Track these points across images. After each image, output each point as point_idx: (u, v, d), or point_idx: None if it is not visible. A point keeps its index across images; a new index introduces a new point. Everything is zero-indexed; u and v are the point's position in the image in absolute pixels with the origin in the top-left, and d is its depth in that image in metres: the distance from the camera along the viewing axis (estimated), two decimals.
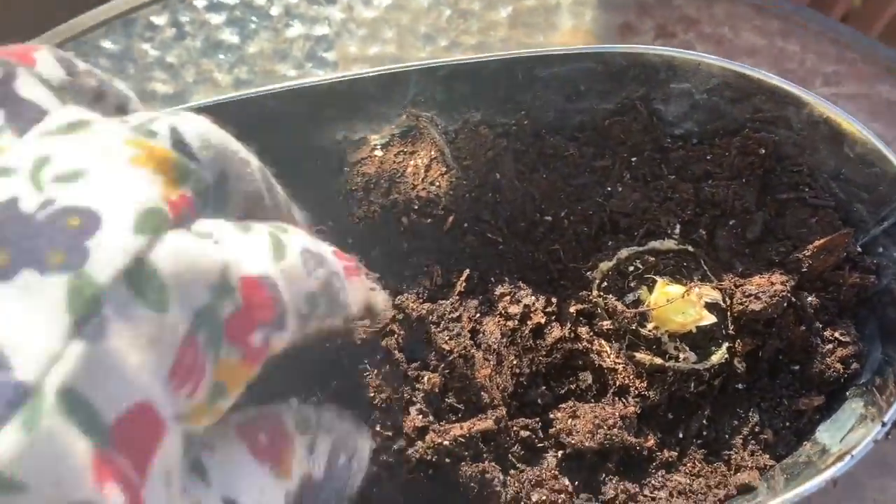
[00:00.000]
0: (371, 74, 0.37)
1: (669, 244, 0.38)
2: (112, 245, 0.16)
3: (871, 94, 0.59)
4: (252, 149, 0.22)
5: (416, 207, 0.37)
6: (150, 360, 0.17)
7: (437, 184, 0.39)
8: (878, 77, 0.59)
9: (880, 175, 0.36)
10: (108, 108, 0.23)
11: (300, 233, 0.22)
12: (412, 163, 0.38)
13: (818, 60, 0.60)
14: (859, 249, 0.37)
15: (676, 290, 0.36)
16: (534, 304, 0.36)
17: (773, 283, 0.35)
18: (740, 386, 0.36)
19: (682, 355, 0.36)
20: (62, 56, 0.22)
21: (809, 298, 0.37)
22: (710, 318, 0.35)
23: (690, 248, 0.38)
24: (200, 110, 0.31)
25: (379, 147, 0.39)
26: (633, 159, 0.40)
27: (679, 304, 0.36)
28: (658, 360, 0.35)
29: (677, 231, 0.38)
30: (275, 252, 0.20)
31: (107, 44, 0.57)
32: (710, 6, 0.61)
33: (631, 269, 0.38)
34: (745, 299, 0.35)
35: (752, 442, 0.35)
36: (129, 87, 0.53)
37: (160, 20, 0.58)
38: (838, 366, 0.35)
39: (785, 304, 0.35)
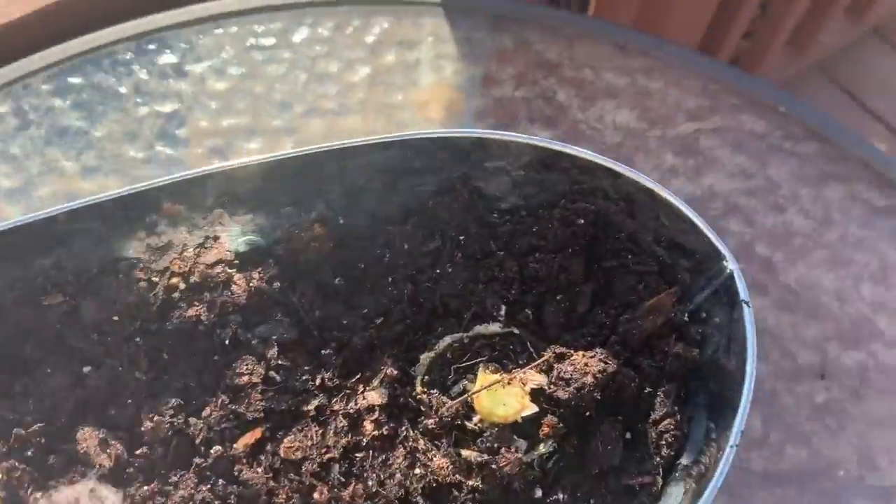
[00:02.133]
0: (168, 182, 0.36)
1: (494, 328, 0.37)
2: None
3: (733, 126, 0.58)
4: None
5: (229, 311, 0.36)
6: None
7: (252, 286, 0.37)
8: (741, 108, 0.59)
9: (695, 243, 0.36)
10: None
11: None
12: (221, 268, 0.36)
13: (681, 95, 0.59)
14: (685, 318, 0.36)
15: (497, 378, 0.35)
16: (362, 409, 0.35)
17: (587, 367, 0.34)
18: (574, 464, 0.35)
19: (511, 447, 0.34)
20: None
21: (636, 369, 0.36)
22: (531, 408, 0.34)
23: (515, 331, 0.37)
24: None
25: (190, 249, 0.38)
26: (462, 238, 0.39)
27: (500, 395, 0.34)
28: (484, 456, 0.34)
29: (503, 313, 0.37)
30: None
31: None
32: (571, 48, 0.61)
33: (455, 358, 0.37)
34: (557, 384, 0.34)
35: None
36: None
37: (2, 109, 0.56)
38: (665, 441, 0.34)
39: (594, 393, 0.34)
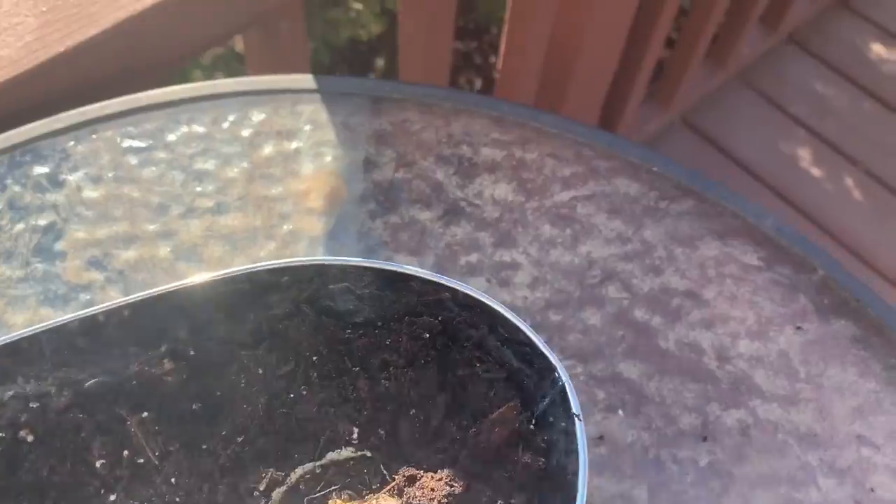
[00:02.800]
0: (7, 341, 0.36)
1: (347, 452, 0.38)
2: None
3: (608, 190, 0.60)
4: None
5: None
6: None
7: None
8: (615, 171, 0.61)
9: (531, 353, 0.37)
10: None
11: None
12: None
13: (557, 164, 0.61)
14: (531, 426, 0.37)
15: None
16: None
17: (433, 492, 0.34)
18: None
19: None
20: None
21: (489, 481, 0.36)
22: None
23: (368, 454, 0.37)
24: None
25: (37, 401, 0.38)
26: (315, 358, 0.40)
27: None
28: None
29: (355, 435, 0.38)
30: None
31: None
32: (449, 125, 0.62)
33: (308, 489, 0.37)
34: None
35: None
36: None
37: None
38: None
39: None
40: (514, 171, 0.60)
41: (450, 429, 0.38)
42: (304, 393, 0.39)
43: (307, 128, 0.61)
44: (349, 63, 1.60)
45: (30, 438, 0.37)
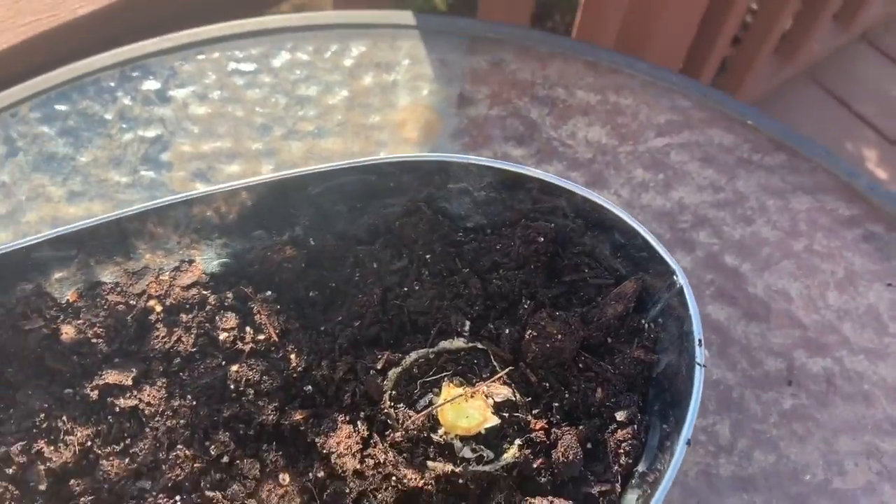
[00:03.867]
0: (143, 210, 0.37)
1: (459, 343, 0.39)
2: None
3: (702, 140, 0.60)
4: None
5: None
6: None
7: (225, 305, 0.39)
8: (709, 123, 0.61)
9: (649, 258, 0.37)
10: None
11: None
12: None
13: (651, 112, 0.61)
14: (644, 323, 0.38)
15: (460, 392, 0.36)
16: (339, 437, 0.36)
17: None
18: (537, 476, 0.37)
19: (476, 456, 0.36)
20: None
21: (599, 377, 0.37)
22: (493, 420, 0.36)
23: (480, 346, 0.38)
24: None
25: (166, 272, 0.39)
26: (428, 257, 0.41)
27: (464, 407, 0.36)
28: (449, 467, 0.35)
29: (467, 328, 0.39)
30: None
31: None
32: (544, 67, 0.63)
33: (421, 373, 0.38)
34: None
35: None
36: None
37: None
38: (623, 450, 0.36)
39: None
40: (609, 115, 0.61)
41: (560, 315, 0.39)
42: (417, 288, 0.40)
43: (405, 62, 0.63)
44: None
45: (158, 308, 0.39)
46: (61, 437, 0.35)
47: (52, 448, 0.35)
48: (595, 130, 0.60)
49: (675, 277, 0.36)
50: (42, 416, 0.36)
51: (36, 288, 0.37)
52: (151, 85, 0.60)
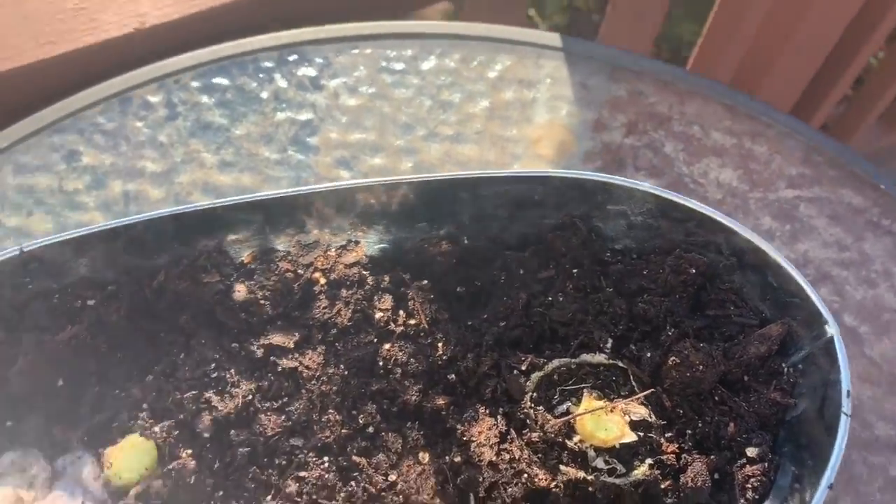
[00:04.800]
0: (323, 190, 0.40)
1: (600, 358, 0.40)
2: None
3: (832, 197, 0.60)
4: None
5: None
6: None
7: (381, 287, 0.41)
8: (841, 181, 0.61)
9: (800, 305, 0.38)
10: None
11: None
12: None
13: (784, 162, 0.62)
14: (784, 367, 0.39)
15: (601, 405, 0.37)
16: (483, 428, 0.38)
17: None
18: (663, 495, 0.38)
19: (609, 468, 0.37)
20: None
21: (731, 413, 0.38)
22: (631, 436, 0.37)
23: (621, 364, 0.40)
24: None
25: (333, 249, 0.42)
26: (575, 271, 0.42)
27: (603, 420, 0.37)
28: (581, 474, 0.37)
29: (609, 345, 0.40)
30: None
31: (102, 120, 0.60)
32: (683, 104, 0.64)
33: (560, 380, 0.40)
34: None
35: None
36: (120, 164, 0.56)
37: (155, 99, 0.61)
38: (751, 485, 0.36)
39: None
40: (742, 159, 0.61)
41: (704, 348, 0.40)
42: (560, 299, 0.42)
43: (547, 81, 0.64)
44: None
45: (322, 281, 0.41)
46: (228, 388, 0.38)
47: (218, 398, 0.37)
48: (727, 173, 0.61)
49: (826, 327, 0.37)
50: (213, 366, 0.38)
51: (217, 245, 0.40)
52: (307, 71, 0.63)
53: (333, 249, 0.42)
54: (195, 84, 0.62)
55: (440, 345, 0.40)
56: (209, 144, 0.60)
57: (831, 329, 0.37)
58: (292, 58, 0.64)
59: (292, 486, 0.36)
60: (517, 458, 0.37)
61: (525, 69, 0.65)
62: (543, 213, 0.43)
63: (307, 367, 0.39)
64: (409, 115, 0.62)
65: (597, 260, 0.43)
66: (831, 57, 1.08)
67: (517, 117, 0.63)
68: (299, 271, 0.41)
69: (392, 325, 0.40)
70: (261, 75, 0.63)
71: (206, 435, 0.36)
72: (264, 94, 0.62)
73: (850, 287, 0.57)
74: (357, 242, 0.42)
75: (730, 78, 0.96)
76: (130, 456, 0.33)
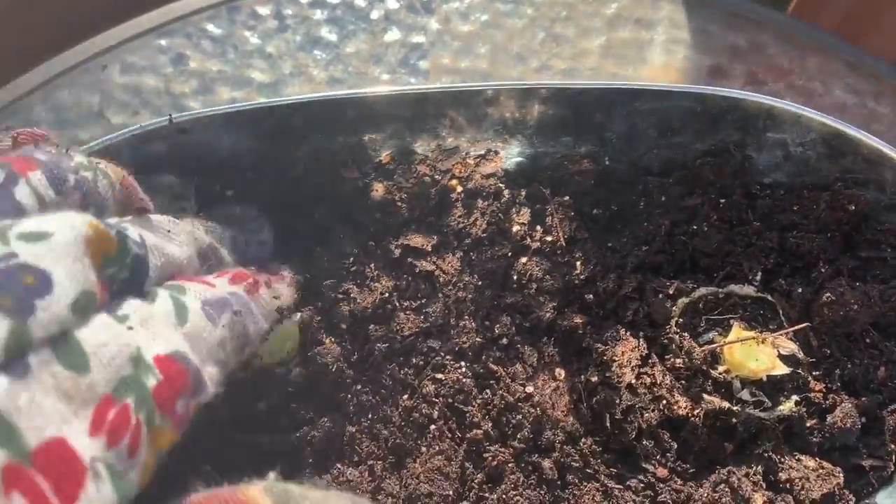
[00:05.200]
0: (465, 89, 0.38)
1: (749, 290, 0.38)
2: (52, 312, 0.20)
3: None
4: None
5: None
6: (64, 408, 0.20)
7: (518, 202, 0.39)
8: None
9: None
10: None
11: (197, 287, 0.26)
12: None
13: None
14: None
15: (752, 335, 0.36)
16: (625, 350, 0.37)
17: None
18: (808, 433, 0.36)
19: (755, 400, 0.36)
20: (56, 176, 0.25)
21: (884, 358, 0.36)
22: (782, 368, 0.35)
23: (770, 297, 0.38)
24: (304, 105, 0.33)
25: (472, 157, 0.40)
26: (722, 201, 0.41)
27: (753, 350, 0.36)
28: (726, 404, 0.35)
29: (758, 278, 0.39)
30: (178, 317, 0.24)
31: (211, 27, 0.59)
32: (804, 58, 0.61)
33: (706, 309, 0.38)
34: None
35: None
36: (228, 72, 0.54)
37: (264, 10, 0.60)
38: None
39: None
40: (864, 119, 0.59)
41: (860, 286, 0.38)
42: (705, 229, 0.40)
43: (665, 22, 0.62)
44: None
45: (459, 189, 0.40)
46: (367, 282, 0.37)
47: (358, 290, 0.36)
48: None
49: None
50: (351, 260, 0.37)
51: (359, 141, 0.39)
52: None
53: (472, 157, 0.40)
54: None
55: (578, 263, 0.39)
56: (318, 59, 0.58)
57: None
58: None
59: (429, 387, 0.34)
60: (658, 382, 0.36)
61: (643, 9, 0.63)
62: (692, 139, 0.41)
63: (444, 272, 0.37)
64: (521, 46, 0.60)
65: (746, 192, 0.41)
66: None
67: (633, 57, 0.60)
68: (437, 177, 0.39)
69: (528, 240, 0.39)
70: None
71: (344, 326, 0.35)
72: (374, 15, 0.60)
73: None
74: (496, 153, 0.40)
75: (835, 27, 0.92)
76: (274, 337, 0.32)
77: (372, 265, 0.37)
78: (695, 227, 0.40)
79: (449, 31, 0.60)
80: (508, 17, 0.61)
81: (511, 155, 0.41)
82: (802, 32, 0.62)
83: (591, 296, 0.38)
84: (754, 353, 0.35)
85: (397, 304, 0.36)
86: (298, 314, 0.35)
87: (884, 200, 0.39)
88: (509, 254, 0.39)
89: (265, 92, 0.57)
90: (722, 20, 0.63)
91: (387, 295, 0.36)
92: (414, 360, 0.35)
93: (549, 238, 0.39)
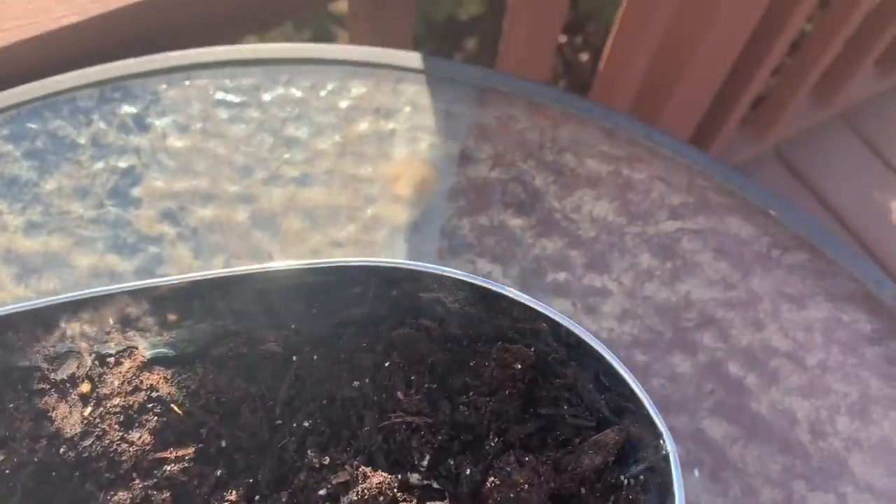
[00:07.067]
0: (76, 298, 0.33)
1: (415, 478, 0.34)
2: None
3: (718, 228, 0.55)
4: None
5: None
6: None
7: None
8: (729, 209, 0.56)
9: (635, 411, 0.33)
10: None
11: None
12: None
13: (666, 190, 0.56)
14: (624, 480, 0.33)
15: None
16: None
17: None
18: None
19: None
20: None
21: None
22: None
23: (435, 485, 0.34)
24: None
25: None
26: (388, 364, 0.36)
27: None
28: None
29: (425, 462, 0.34)
30: None
31: None
32: (555, 128, 0.58)
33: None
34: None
35: None
36: None
37: None
38: None
39: None
40: (619, 189, 0.56)
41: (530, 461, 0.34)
42: (365, 416, 0.36)
43: (407, 109, 0.58)
44: (440, 38, 1.56)
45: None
46: None
47: None
48: (602, 206, 0.55)
49: (661, 441, 0.31)
50: None
51: None
52: (131, 109, 0.56)
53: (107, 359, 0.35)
54: (0, 131, 0.54)
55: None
56: (13, 203, 0.52)
57: (667, 446, 0.31)
58: (115, 95, 0.56)
59: None
60: None
61: (382, 96, 0.58)
62: (341, 305, 0.36)
63: None
64: (247, 154, 0.55)
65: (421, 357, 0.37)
66: (730, 79, 1.07)
67: (373, 153, 0.56)
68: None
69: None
70: (78, 117, 0.55)
71: None
72: (81, 140, 0.54)
73: (737, 331, 0.52)
74: (136, 348, 0.35)
75: (627, 108, 0.93)
76: None
77: None
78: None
79: (164, 148, 0.55)
80: (231, 124, 0.56)
81: (150, 346, 0.36)
82: (555, 100, 0.59)
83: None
84: None
85: None
86: None
87: (551, 353, 0.35)
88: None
89: None
90: (470, 98, 0.59)
91: None
92: None
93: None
